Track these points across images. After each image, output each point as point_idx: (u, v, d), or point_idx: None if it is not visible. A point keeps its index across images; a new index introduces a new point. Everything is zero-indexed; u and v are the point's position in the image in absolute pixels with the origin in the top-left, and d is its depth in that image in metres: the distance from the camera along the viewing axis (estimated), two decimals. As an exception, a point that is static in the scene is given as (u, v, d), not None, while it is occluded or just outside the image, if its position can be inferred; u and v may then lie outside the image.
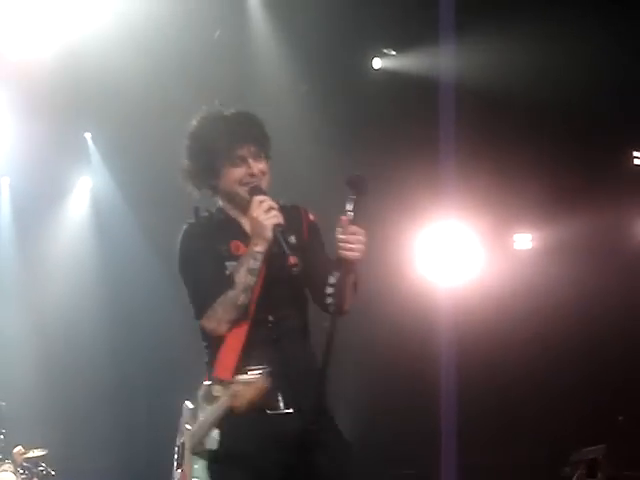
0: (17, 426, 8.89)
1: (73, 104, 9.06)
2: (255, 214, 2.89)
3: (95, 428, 9.92)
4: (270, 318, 2.93)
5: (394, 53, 9.33)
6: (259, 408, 2.79)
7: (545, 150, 8.86)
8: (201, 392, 2.89)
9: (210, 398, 2.82)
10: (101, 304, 10.00)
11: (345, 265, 2.83)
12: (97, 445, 9.88)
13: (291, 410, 2.85)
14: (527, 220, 9.72)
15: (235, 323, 2.87)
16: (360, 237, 2.84)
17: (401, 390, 9.15)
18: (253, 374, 2.66)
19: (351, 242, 2.82)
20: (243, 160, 3.00)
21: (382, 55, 9.39)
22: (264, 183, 3.02)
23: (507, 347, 9.12)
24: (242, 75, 8.95)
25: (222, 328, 2.87)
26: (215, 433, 2.81)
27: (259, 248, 2.88)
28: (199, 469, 2.84)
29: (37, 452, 8.74)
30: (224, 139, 2.99)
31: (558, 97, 8.44)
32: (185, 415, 3.00)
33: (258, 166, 3.02)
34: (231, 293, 2.85)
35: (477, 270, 9.55)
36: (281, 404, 2.86)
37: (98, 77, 8.57)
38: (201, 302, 2.91)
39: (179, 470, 2.97)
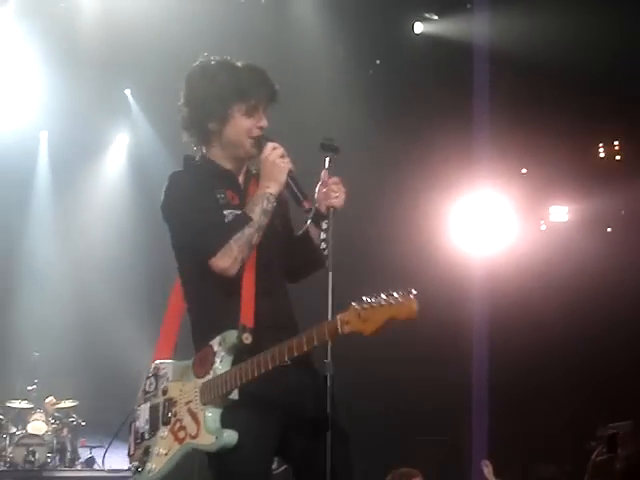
0: (50, 377, 9.06)
1: (112, 61, 9.09)
2: (271, 158, 2.92)
3: (125, 380, 10.08)
4: (266, 266, 2.96)
5: (435, 17, 9.22)
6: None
7: (583, 121, 8.72)
8: (221, 341, 2.80)
9: (236, 347, 2.76)
10: (138, 257, 10.07)
11: (333, 212, 2.95)
12: (127, 398, 10.05)
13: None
14: (563, 192, 9.61)
15: (244, 266, 2.88)
16: (341, 186, 2.98)
17: (434, 359, 9.17)
18: (399, 294, 2.51)
19: (335, 190, 2.95)
20: (256, 110, 3.00)
21: (424, 19, 9.28)
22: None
23: (540, 318, 9.07)
24: (280, 38, 8.90)
25: (235, 267, 2.85)
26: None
27: (272, 190, 2.91)
28: (216, 419, 2.77)
29: (68, 403, 8.91)
30: (241, 86, 2.99)
31: (595, 66, 8.28)
32: (168, 373, 2.97)
33: (264, 121, 3.03)
34: (247, 231, 2.86)
35: (511, 241, 9.48)
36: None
37: (137, 34, 8.58)
38: (212, 242, 2.86)
39: (162, 429, 2.91)
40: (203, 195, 2.93)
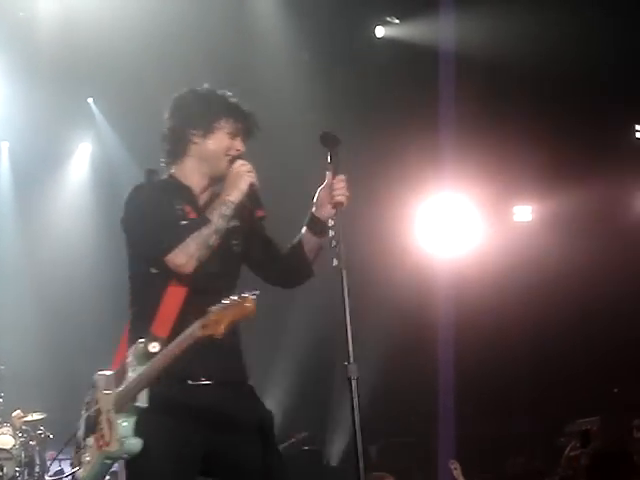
0: (16, 390, 8.94)
1: (74, 69, 9.03)
2: (236, 169, 3.04)
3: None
4: (207, 285, 3.00)
5: (397, 21, 9.27)
6: (180, 378, 2.92)
7: (545, 121, 8.83)
8: (133, 351, 2.90)
9: (145, 356, 2.86)
10: (103, 267, 9.98)
11: (339, 210, 3.04)
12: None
13: (211, 382, 2.97)
14: (527, 192, 9.72)
15: (197, 264, 2.95)
16: (346, 183, 3.10)
17: (401, 360, 9.21)
18: (240, 296, 2.70)
19: (341, 188, 3.07)
20: (237, 135, 3.13)
21: (385, 23, 9.33)
22: None
23: (505, 318, 9.16)
24: (243, 43, 8.90)
25: (190, 264, 2.93)
26: (145, 391, 2.88)
27: (232, 198, 3.01)
28: (127, 427, 2.89)
29: (36, 416, 8.79)
30: (231, 106, 3.15)
31: (559, 68, 8.40)
32: (100, 383, 3.06)
33: (242, 146, 3.15)
34: (205, 231, 2.95)
35: (476, 242, 9.56)
36: (202, 376, 2.97)
37: (98, 42, 8.53)
38: (169, 239, 2.95)
39: (89, 438, 3.04)
40: (161, 205, 3.02)
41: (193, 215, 3.06)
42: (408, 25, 9.11)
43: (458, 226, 9.62)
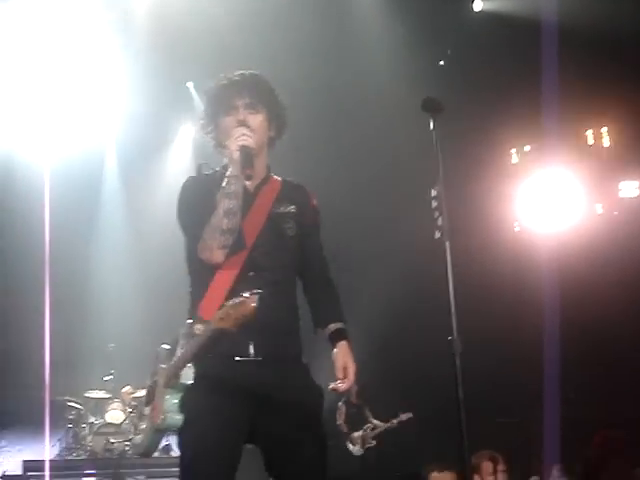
0: (126, 367, 9.24)
1: (173, 54, 9.20)
2: (228, 142, 3.08)
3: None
4: (258, 266, 3.07)
5: (495, -7, 9.08)
6: (228, 355, 3.00)
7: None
8: (183, 330, 3.02)
9: (190, 336, 2.98)
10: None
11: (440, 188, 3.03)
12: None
13: (260, 358, 3.01)
14: (634, 167, 9.40)
15: (229, 252, 3.00)
16: (350, 371, 3.12)
17: (504, 338, 9.09)
18: (242, 296, 2.82)
19: (341, 377, 3.11)
20: (235, 108, 3.14)
21: (482, -4, 9.15)
22: (256, 137, 3.13)
23: (609, 296, 8.90)
24: (338, 19, 8.89)
25: (215, 255, 3.01)
26: (191, 369, 3.00)
27: (232, 172, 3.03)
28: (170, 402, 3.01)
29: (144, 392, 9.08)
30: (223, 91, 3.19)
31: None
32: (160, 356, 3.18)
33: (251, 118, 3.14)
34: (213, 219, 3.00)
35: (580, 218, 9.33)
36: (251, 351, 3.01)
37: (196, 25, 8.66)
38: (194, 237, 3.07)
39: (147, 407, 3.20)
40: (197, 201, 3.10)
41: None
42: (508, -3, 8.92)
43: (562, 202, 9.40)
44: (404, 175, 8.56)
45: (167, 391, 3.05)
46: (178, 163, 11.09)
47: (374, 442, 9.10)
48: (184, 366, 3.02)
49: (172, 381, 3.05)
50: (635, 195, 9.57)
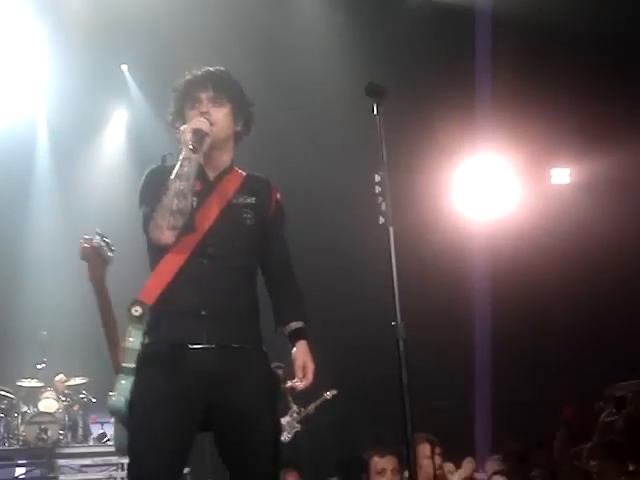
0: (59, 355, 9.10)
1: (108, 37, 9.04)
2: (182, 127, 3.11)
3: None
4: (211, 252, 3.07)
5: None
6: (181, 342, 2.98)
7: (584, 81, 8.68)
8: (127, 310, 3.04)
9: (130, 319, 2.99)
10: (138, 233, 10.10)
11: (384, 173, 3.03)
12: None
13: (213, 345, 3.00)
14: (565, 154, 9.59)
15: (179, 233, 3.01)
16: (309, 372, 3.13)
17: (436, 324, 9.20)
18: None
19: (300, 376, 3.13)
20: (199, 101, 3.18)
21: (420, -17, 9.21)
22: (218, 128, 3.14)
23: (541, 281, 9.10)
24: (276, 6, 8.86)
25: (165, 235, 3.01)
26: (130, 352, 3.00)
27: (184, 154, 3.04)
28: (117, 385, 3.00)
29: (78, 380, 8.96)
30: (187, 86, 3.22)
31: (598, 27, 8.24)
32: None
33: (214, 110, 3.17)
34: (164, 199, 3.01)
35: (513, 204, 9.49)
36: (205, 339, 3.00)
37: (132, 9, 8.53)
38: (146, 218, 3.10)
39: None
40: (157, 188, 3.07)
41: (198, 186, 3.11)
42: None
43: (495, 189, 9.54)
44: (348, 161, 8.59)
45: (119, 377, 3.02)
46: (111, 146, 10.92)
47: (299, 426, 9.15)
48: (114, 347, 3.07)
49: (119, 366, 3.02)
50: (566, 182, 9.78)
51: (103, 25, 8.84)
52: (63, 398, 8.84)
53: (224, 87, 3.20)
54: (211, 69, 3.25)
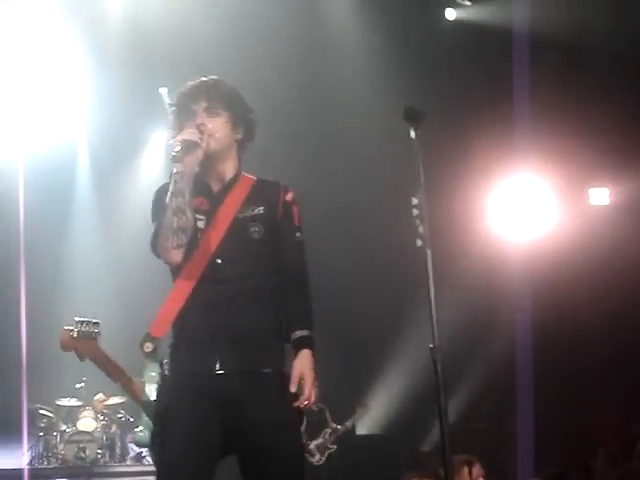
0: (97, 374, 9.14)
1: (147, 60, 9.17)
2: (172, 141, 3.05)
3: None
4: (221, 274, 2.99)
5: (469, 3, 9.16)
6: (197, 371, 2.95)
7: (623, 100, 8.61)
8: (139, 346, 3.03)
9: (144, 355, 2.98)
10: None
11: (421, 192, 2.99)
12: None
13: (226, 371, 2.94)
14: (604, 174, 9.49)
15: (187, 250, 2.96)
16: (307, 385, 2.97)
17: (476, 344, 9.14)
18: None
19: (303, 404, 2.98)
20: (194, 113, 3.11)
21: (456, 5, 9.23)
22: (215, 139, 3.09)
23: (581, 303, 8.99)
24: (314, 28, 8.92)
25: (172, 255, 2.97)
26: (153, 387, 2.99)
27: (174, 169, 2.98)
28: (145, 420, 3.03)
29: (116, 399, 9.01)
30: (183, 99, 3.17)
31: (636, 46, 8.19)
32: None
33: (210, 121, 3.09)
34: (164, 219, 2.96)
35: (551, 225, 9.40)
36: (217, 366, 2.94)
37: (171, 32, 8.64)
38: (153, 239, 3.06)
39: None
40: (163, 208, 3.01)
41: (205, 205, 3.08)
42: (480, 6, 9.00)
43: (532, 209, 9.47)
44: (385, 183, 8.61)
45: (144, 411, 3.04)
46: (150, 168, 11.03)
47: (334, 447, 9.09)
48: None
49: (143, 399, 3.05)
50: (605, 203, 9.67)
51: (142, 49, 8.97)
52: (101, 417, 8.90)
53: (218, 96, 3.12)
54: (205, 79, 3.19)
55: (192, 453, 2.86)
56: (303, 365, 2.95)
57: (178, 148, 2.94)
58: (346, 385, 9.66)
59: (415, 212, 2.91)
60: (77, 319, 3.06)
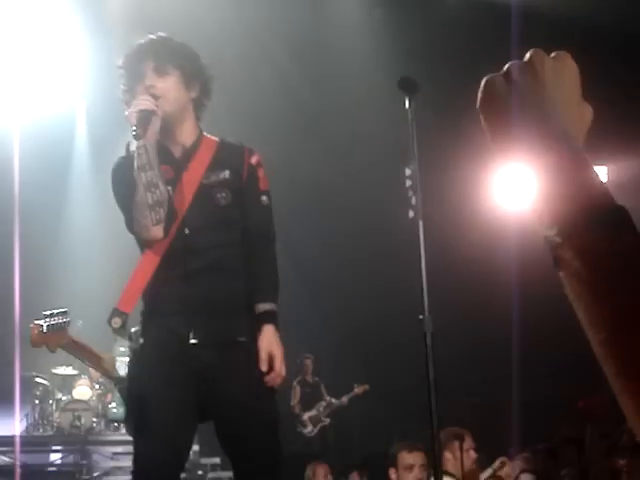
0: (93, 344, 9.18)
1: (150, 28, 9.09)
2: (127, 113, 2.84)
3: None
4: (189, 243, 2.89)
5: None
6: (170, 342, 2.87)
7: (621, 78, 8.58)
8: (107, 322, 2.89)
9: (113, 330, 2.86)
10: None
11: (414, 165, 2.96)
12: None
13: (199, 341, 2.86)
14: (602, 152, 9.47)
15: (167, 224, 2.84)
16: (277, 362, 2.86)
17: (470, 317, 9.18)
18: None
19: (272, 382, 2.88)
20: (142, 75, 2.91)
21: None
22: (167, 101, 2.89)
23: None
24: (318, 3, 8.90)
25: (153, 232, 2.84)
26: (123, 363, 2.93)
27: (138, 142, 2.80)
28: (118, 397, 2.99)
29: (112, 368, 9.06)
30: (129, 60, 2.97)
31: (635, 22, 8.14)
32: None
33: (160, 82, 2.90)
34: (136, 196, 2.81)
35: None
36: (191, 335, 2.86)
37: (173, 6, 8.60)
38: (127, 217, 2.93)
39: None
40: (128, 181, 2.86)
41: (170, 173, 2.92)
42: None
43: (528, 185, 9.45)
44: (381, 154, 8.60)
45: (116, 387, 3.00)
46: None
47: (328, 420, 9.14)
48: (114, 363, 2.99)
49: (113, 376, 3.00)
50: (604, 181, 9.65)
51: (143, 20, 8.91)
52: (97, 386, 8.94)
53: (166, 54, 2.92)
54: (152, 36, 2.99)
55: (169, 421, 2.81)
56: (270, 342, 2.84)
57: (135, 122, 2.76)
58: (342, 359, 9.71)
59: (408, 183, 2.88)
60: (45, 312, 2.85)
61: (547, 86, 0.86)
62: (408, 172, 2.92)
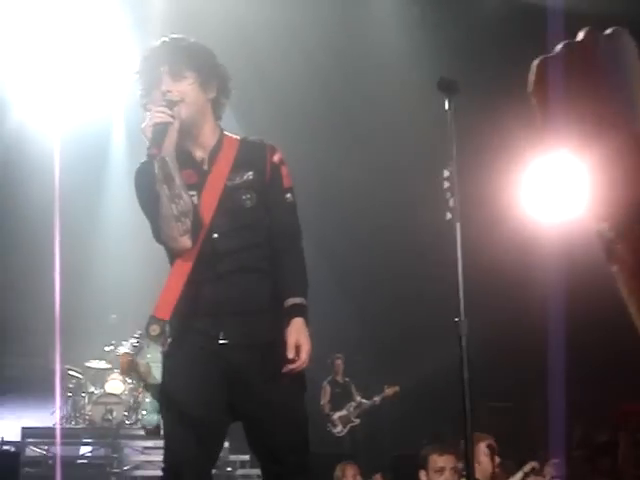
0: (126, 338, 9.26)
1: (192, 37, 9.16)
2: (144, 125, 2.82)
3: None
4: (218, 249, 2.88)
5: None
6: (201, 345, 2.88)
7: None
8: (145, 330, 2.87)
9: (149, 338, 2.84)
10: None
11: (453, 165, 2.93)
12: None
13: (231, 343, 2.86)
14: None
15: (194, 232, 2.84)
16: (304, 352, 2.84)
17: (508, 328, 9.10)
18: None
19: (294, 367, 2.86)
20: (159, 79, 2.88)
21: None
22: (185, 106, 2.87)
23: (614, 284, 8.88)
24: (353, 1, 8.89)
25: (181, 243, 2.85)
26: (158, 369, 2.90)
27: (153, 152, 2.79)
28: (149, 403, 2.96)
29: (144, 363, 9.11)
30: (144, 65, 2.94)
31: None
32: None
33: (176, 86, 2.87)
34: (161, 209, 2.82)
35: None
36: (221, 335, 2.87)
37: (214, 13, 8.65)
38: (154, 228, 2.93)
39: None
40: (151, 189, 2.86)
41: (194, 178, 2.92)
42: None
43: (568, 189, 9.35)
44: (418, 155, 8.57)
45: (145, 393, 3.06)
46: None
47: (358, 420, 9.11)
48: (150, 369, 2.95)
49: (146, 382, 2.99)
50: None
51: (183, 27, 8.95)
52: (129, 380, 8.99)
53: (180, 57, 2.89)
54: (165, 39, 2.95)
55: (200, 420, 2.84)
56: (298, 332, 2.83)
57: (150, 136, 2.75)
58: (373, 360, 9.67)
59: (446, 185, 2.85)
60: (134, 342, 2.87)
61: (601, 66, 0.81)
62: (446, 174, 2.89)
